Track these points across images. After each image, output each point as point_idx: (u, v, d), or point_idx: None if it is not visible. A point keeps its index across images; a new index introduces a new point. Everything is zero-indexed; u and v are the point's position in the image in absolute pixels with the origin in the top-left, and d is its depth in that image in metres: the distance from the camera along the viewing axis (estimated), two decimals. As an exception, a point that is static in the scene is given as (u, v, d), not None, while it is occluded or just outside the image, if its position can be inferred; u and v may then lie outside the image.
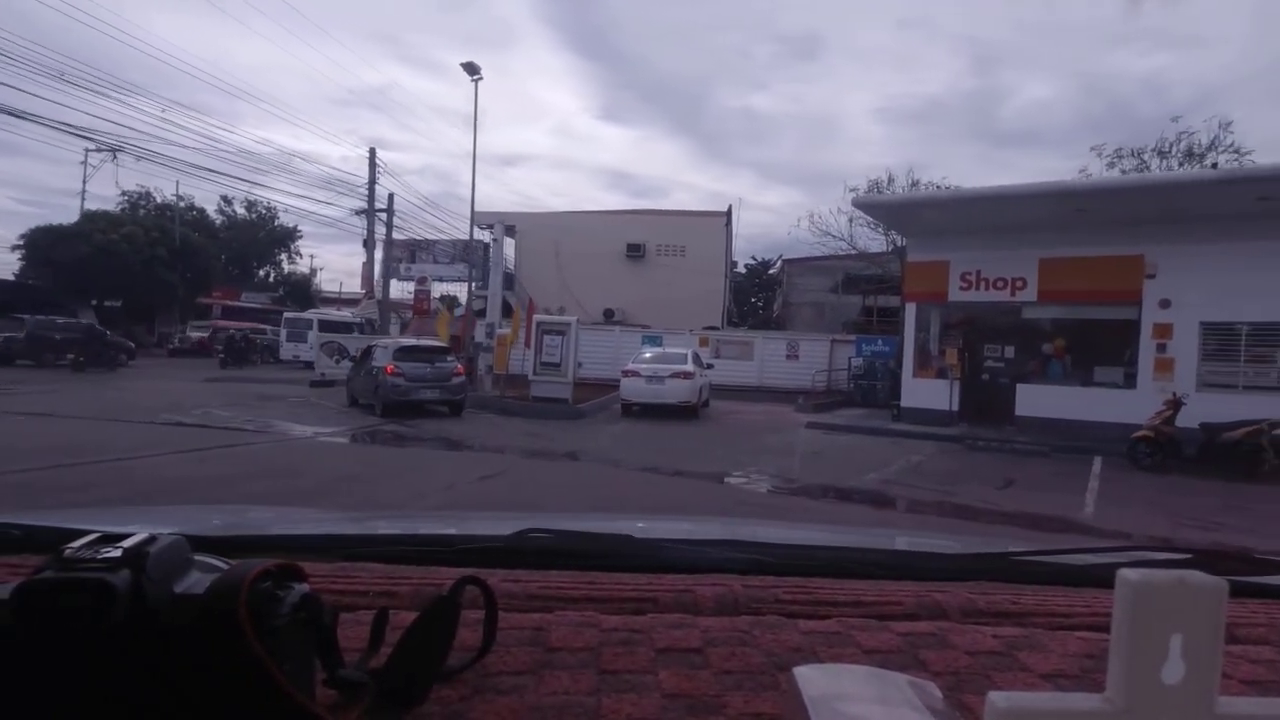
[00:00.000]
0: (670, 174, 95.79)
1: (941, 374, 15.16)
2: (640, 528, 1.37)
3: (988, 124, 67.94)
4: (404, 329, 27.24)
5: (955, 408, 14.76)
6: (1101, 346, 14.04)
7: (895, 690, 0.49)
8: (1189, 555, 1.02)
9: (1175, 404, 10.91)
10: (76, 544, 0.48)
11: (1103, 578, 0.97)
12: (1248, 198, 11.65)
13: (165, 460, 8.09)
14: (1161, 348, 13.06)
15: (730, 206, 33.31)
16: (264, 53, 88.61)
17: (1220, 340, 12.75)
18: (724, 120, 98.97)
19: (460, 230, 25.09)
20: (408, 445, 11.12)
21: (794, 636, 0.75)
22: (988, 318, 15.27)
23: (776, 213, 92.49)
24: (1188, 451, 10.58)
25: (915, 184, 24.74)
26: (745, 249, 63.96)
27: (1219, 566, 1.03)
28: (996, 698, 0.31)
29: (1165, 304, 12.99)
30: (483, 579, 0.67)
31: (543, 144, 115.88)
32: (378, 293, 30.18)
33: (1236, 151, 21.73)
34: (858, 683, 0.52)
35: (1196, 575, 0.32)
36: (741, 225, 76.49)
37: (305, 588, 0.52)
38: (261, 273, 52.43)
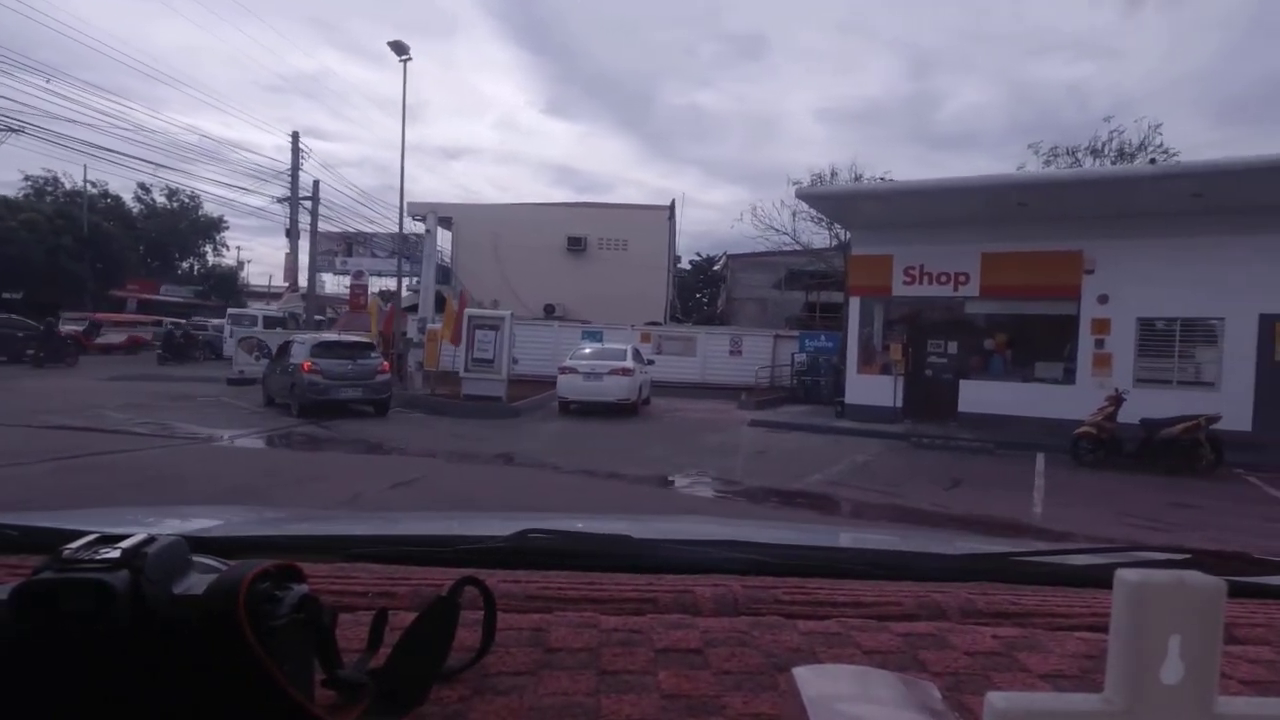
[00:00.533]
0: (615, 170, 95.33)
1: (885, 370, 14.92)
2: (639, 528, 1.30)
3: (925, 127, 69.36)
4: (331, 324, 25.93)
5: (899, 404, 14.54)
6: (1042, 342, 13.99)
7: (894, 691, 0.49)
8: (1188, 555, 1.01)
9: (1117, 400, 10.83)
10: (75, 545, 0.47)
11: (1102, 578, 0.95)
12: (1183, 194, 11.68)
13: (26, 471, 7.10)
14: (1100, 343, 13.07)
15: (673, 201, 32.82)
16: (194, 36, 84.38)
17: (1155, 336, 12.83)
18: (669, 117, 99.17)
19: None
20: (321, 449, 10.24)
21: (793, 637, 0.74)
22: (931, 312, 15.13)
23: (721, 210, 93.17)
24: (1128, 448, 10.51)
25: (859, 178, 24.68)
26: (690, 245, 63.82)
27: (1218, 566, 1.01)
28: (995, 698, 0.31)
29: (1103, 299, 13.01)
30: (482, 579, 0.66)
31: (486, 137, 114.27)
32: (303, 285, 28.66)
33: (1165, 152, 22.33)
34: (856, 683, 0.52)
35: (1195, 575, 0.32)
36: (686, 222, 76.59)
37: (304, 588, 0.51)
38: (185, 265, 49.76)
